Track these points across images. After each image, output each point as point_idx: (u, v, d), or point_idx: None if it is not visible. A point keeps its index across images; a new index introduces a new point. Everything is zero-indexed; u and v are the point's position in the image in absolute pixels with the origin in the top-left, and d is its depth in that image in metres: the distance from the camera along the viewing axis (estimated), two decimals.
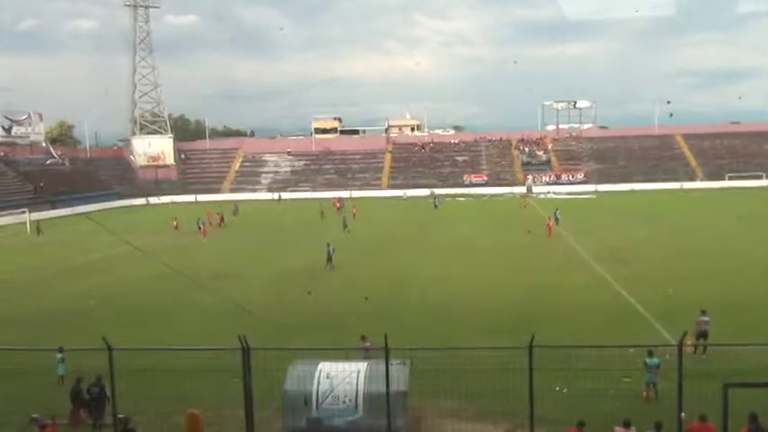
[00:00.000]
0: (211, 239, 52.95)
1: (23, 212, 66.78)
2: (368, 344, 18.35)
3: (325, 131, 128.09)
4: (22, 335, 23.98)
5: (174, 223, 58.02)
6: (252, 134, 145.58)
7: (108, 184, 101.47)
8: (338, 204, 76.26)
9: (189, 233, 55.02)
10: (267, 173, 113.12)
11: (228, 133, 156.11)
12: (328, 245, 37.76)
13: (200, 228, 55.87)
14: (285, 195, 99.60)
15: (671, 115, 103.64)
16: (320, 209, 66.56)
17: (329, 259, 36.95)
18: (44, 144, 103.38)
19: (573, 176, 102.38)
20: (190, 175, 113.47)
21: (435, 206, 74.98)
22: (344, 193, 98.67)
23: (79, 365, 17.20)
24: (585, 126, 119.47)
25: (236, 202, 74.85)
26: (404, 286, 32.21)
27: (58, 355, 18.65)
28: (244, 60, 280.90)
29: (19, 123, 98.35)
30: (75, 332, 24.30)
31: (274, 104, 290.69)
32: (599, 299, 28.35)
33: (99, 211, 77.93)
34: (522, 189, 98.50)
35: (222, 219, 62.99)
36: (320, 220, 62.95)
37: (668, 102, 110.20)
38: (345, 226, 54.59)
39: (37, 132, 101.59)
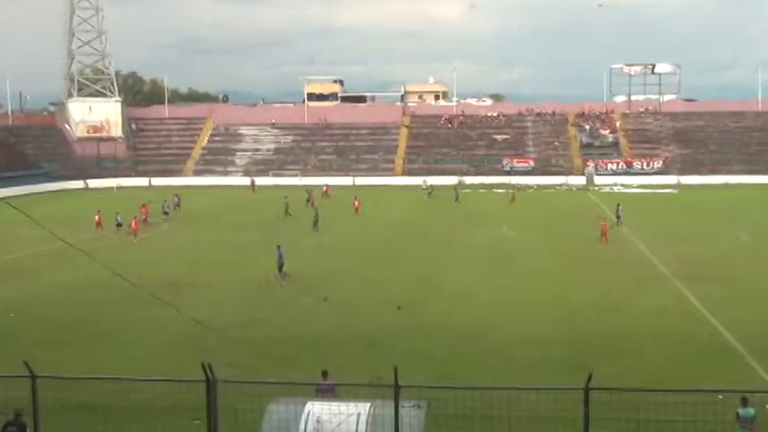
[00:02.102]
0: (152, 239, 53.69)
1: None
2: (329, 383, 18.14)
3: (321, 98, 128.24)
4: None
5: (96, 218, 57.99)
6: (225, 99, 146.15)
7: (35, 160, 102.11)
8: (324, 191, 78.57)
9: (114, 231, 55.31)
10: (244, 151, 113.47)
11: (194, 97, 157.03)
12: (278, 248, 38.38)
13: (119, 224, 55.84)
14: (265, 181, 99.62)
15: None
16: (286, 201, 65.64)
17: (280, 268, 37.80)
18: None
19: (648, 164, 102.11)
20: (143, 151, 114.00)
21: (456, 199, 75.19)
22: (345, 181, 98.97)
23: None
24: (666, 98, 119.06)
25: (177, 194, 74.06)
26: (418, 305, 32.24)
27: None
28: (215, 2, 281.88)
29: None
30: None
31: (255, 61, 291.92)
32: (679, 327, 28.27)
33: (23, 195, 78.32)
34: (581, 179, 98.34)
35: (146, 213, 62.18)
36: (284, 217, 62.79)
37: None
38: (316, 223, 55.33)
39: None
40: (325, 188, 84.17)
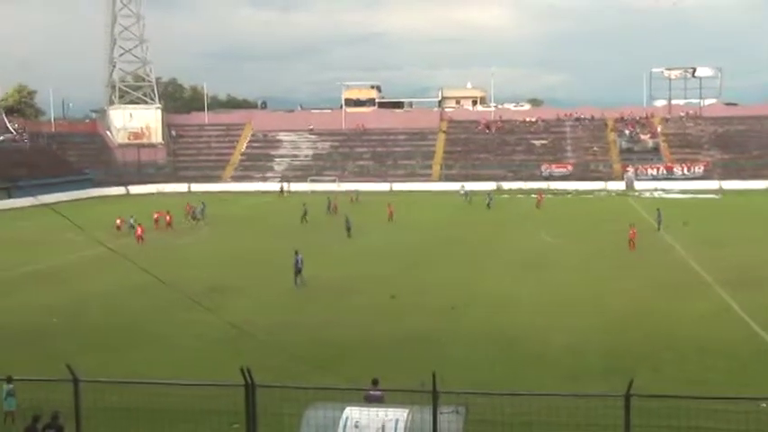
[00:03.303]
0: (191, 245, 54.27)
1: None
2: (378, 392, 17.91)
3: (358, 104, 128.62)
4: None
5: (117, 222, 58.69)
6: (263, 106, 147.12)
7: (77, 166, 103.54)
8: (353, 199, 79.72)
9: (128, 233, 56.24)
10: (282, 157, 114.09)
11: (233, 104, 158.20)
12: (296, 253, 38.52)
13: (132, 227, 57.10)
14: (303, 187, 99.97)
15: None
16: (304, 209, 64.60)
17: (298, 272, 37.93)
18: None
19: (689, 169, 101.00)
20: (182, 157, 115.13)
21: (488, 205, 74.65)
22: (382, 186, 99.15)
23: (36, 400, 17.53)
24: (707, 102, 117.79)
25: (202, 201, 73.52)
26: (456, 310, 32.20)
27: (6, 386, 19.01)
28: (254, 9, 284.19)
29: None
30: (31, 357, 24.82)
31: (293, 68, 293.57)
32: (721, 334, 27.91)
33: (66, 201, 79.48)
34: (620, 184, 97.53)
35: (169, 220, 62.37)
36: (301, 224, 62.00)
37: None
38: (348, 229, 55.44)
39: None
40: (353, 196, 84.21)
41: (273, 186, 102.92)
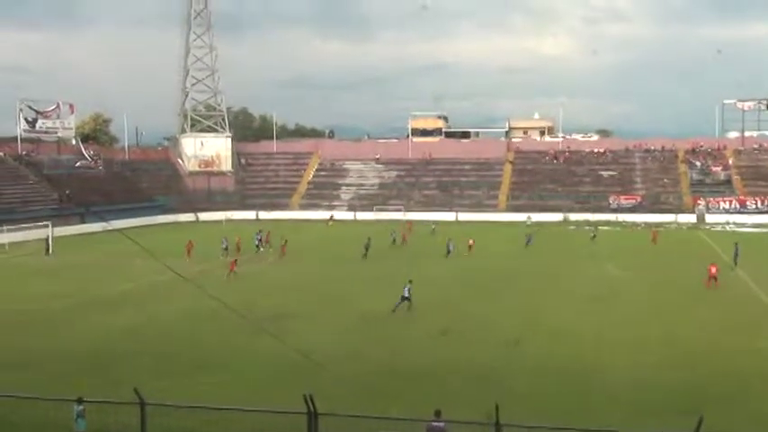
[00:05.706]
0: (258, 273, 54.63)
1: (45, 226, 70.25)
2: (442, 423, 17.73)
3: (425, 133, 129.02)
4: (35, 381, 25.17)
5: (187, 247, 59.64)
6: (331, 135, 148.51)
7: (149, 193, 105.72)
8: (408, 226, 79.51)
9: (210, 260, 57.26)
10: (349, 186, 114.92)
11: (302, 133, 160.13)
12: (410, 281, 38.90)
13: (225, 248, 60.45)
14: (369, 216, 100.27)
15: None
16: (366, 244, 61.48)
17: (406, 300, 38.28)
18: (74, 142, 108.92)
19: (763, 203, 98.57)
20: (251, 185, 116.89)
21: (528, 242, 69.51)
22: (448, 216, 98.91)
23: (104, 422, 17.84)
24: None
25: (261, 229, 72.12)
26: (520, 341, 31.92)
27: (77, 408, 19.36)
28: (323, 40, 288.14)
29: (45, 116, 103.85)
30: (100, 380, 25.32)
31: (360, 97, 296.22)
32: None
33: (138, 227, 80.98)
34: (691, 217, 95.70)
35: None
36: (362, 259, 59.64)
37: None
38: (449, 251, 59.16)
39: (66, 127, 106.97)
40: (408, 224, 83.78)
41: (341, 215, 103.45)
